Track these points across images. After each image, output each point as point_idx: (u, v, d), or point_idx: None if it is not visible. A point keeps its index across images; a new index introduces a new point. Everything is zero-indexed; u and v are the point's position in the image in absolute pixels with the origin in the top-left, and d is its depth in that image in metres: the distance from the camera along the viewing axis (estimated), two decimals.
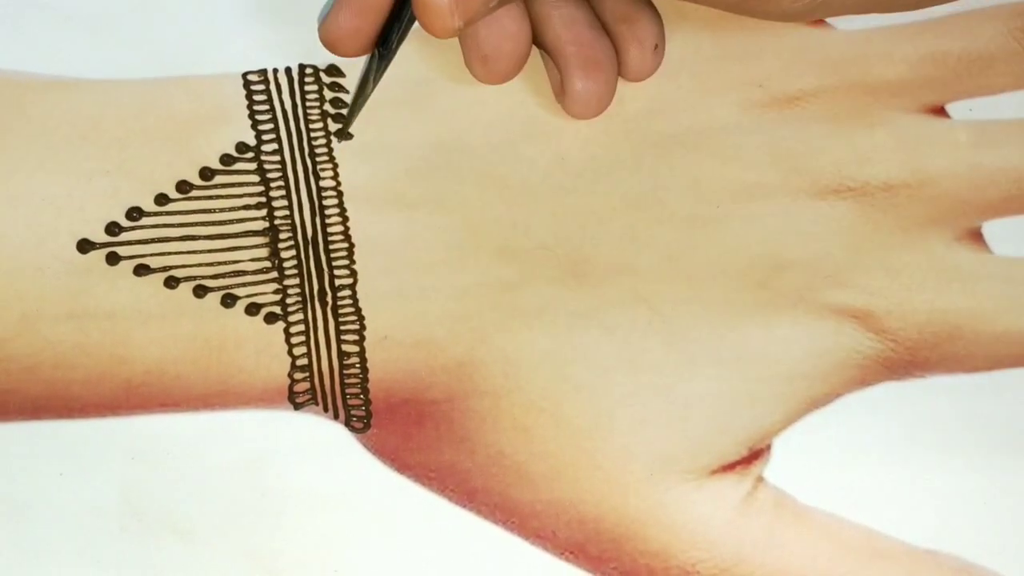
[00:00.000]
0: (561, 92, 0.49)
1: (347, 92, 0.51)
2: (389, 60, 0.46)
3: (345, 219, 0.49)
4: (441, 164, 0.50)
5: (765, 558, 0.44)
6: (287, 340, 0.47)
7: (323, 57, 0.52)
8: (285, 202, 0.49)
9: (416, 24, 0.45)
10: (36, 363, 0.46)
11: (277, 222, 0.49)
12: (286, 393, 0.46)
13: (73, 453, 0.45)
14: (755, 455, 0.46)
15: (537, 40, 0.49)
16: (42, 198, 0.49)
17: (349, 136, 0.48)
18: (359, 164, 0.50)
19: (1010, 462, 0.46)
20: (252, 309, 0.47)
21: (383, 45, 0.45)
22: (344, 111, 0.51)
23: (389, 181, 0.49)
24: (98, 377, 0.46)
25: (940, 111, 0.52)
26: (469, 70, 0.49)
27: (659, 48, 0.49)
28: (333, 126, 0.51)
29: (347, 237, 0.48)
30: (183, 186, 0.49)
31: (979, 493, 0.45)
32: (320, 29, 0.47)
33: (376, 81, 0.47)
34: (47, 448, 0.45)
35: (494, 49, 0.48)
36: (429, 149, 0.50)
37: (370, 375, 0.46)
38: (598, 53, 0.48)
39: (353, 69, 0.51)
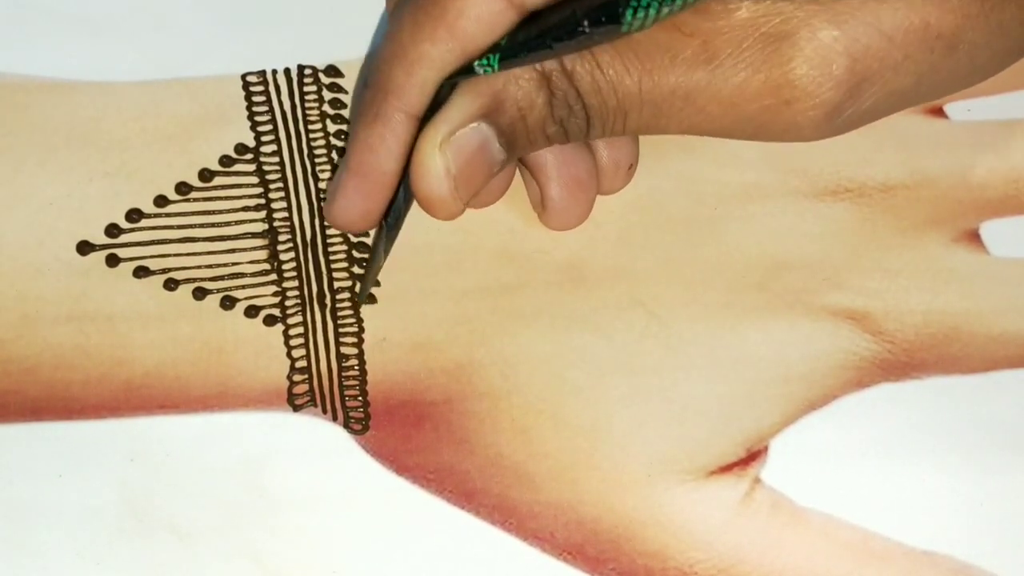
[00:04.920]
0: (540, 205, 0.48)
1: (346, 92, 0.51)
2: (397, 231, 0.46)
3: None
4: None
5: (762, 559, 0.44)
6: (286, 342, 0.47)
7: (322, 58, 0.52)
8: (284, 204, 0.49)
9: None
10: (36, 364, 0.46)
11: (276, 224, 0.49)
12: (285, 395, 0.46)
13: (73, 454, 0.45)
14: (753, 456, 0.46)
15: None
16: (42, 199, 0.49)
17: (373, 300, 0.48)
18: None
19: (1007, 463, 0.46)
20: (251, 311, 0.47)
21: (389, 217, 0.45)
22: (343, 112, 0.51)
23: None
24: (98, 379, 0.46)
25: (938, 112, 0.52)
26: None
27: (632, 168, 0.48)
28: (332, 127, 0.51)
29: (346, 239, 0.48)
30: (182, 188, 0.49)
31: (976, 494, 0.45)
32: (328, 212, 0.46)
33: (387, 252, 0.46)
34: (47, 449, 0.45)
35: (485, 196, 0.47)
36: None
37: (369, 377, 0.46)
38: (580, 172, 0.47)
39: (352, 70, 0.52)
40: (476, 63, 0.42)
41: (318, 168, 0.50)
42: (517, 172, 0.48)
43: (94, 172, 0.49)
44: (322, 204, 0.49)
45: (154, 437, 0.45)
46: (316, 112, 0.51)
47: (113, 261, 0.48)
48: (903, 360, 0.47)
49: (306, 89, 0.51)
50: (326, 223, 0.48)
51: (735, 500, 0.45)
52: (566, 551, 0.44)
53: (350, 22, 0.53)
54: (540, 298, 0.48)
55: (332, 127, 0.50)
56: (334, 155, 0.50)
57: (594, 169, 0.47)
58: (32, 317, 0.47)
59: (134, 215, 0.49)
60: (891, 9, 0.41)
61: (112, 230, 0.48)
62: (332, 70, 0.52)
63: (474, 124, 0.42)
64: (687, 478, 0.45)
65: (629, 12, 0.40)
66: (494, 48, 0.42)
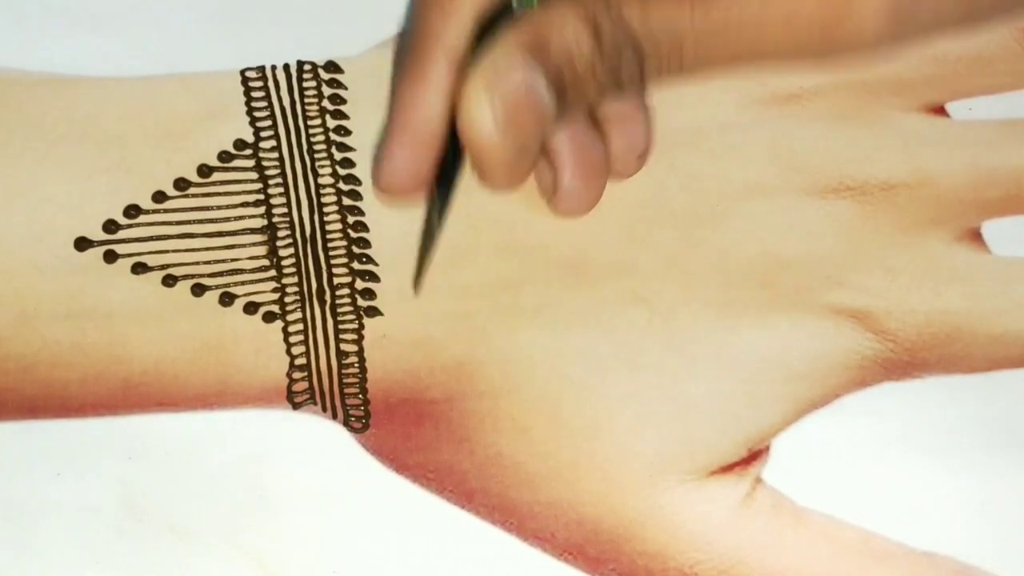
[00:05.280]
0: (552, 191, 0.47)
1: (345, 88, 0.51)
2: (451, 198, 0.43)
3: (344, 217, 0.49)
4: None
5: (763, 559, 0.44)
6: (285, 339, 0.47)
7: (321, 53, 0.52)
8: (283, 200, 0.49)
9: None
10: (33, 362, 0.46)
11: (275, 220, 0.49)
12: (284, 392, 0.46)
13: (70, 453, 0.45)
14: (754, 456, 0.46)
15: None
16: (40, 195, 0.49)
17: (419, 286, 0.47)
18: (358, 161, 0.50)
19: (1009, 464, 0.46)
20: (250, 308, 0.47)
21: (441, 184, 0.43)
22: (343, 108, 0.51)
23: None
24: (95, 376, 0.46)
25: (940, 110, 0.52)
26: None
27: (644, 156, 0.47)
28: (332, 122, 0.50)
29: (346, 235, 0.48)
30: (181, 183, 0.49)
31: (977, 495, 0.45)
32: (376, 177, 0.44)
33: (442, 222, 0.44)
34: (44, 448, 0.45)
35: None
36: None
37: (369, 375, 0.46)
38: (594, 156, 0.46)
39: (352, 66, 0.51)
40: (515, 1, 0.41)
41: (317, 164, 0.50)
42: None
43: (92, 168, 0.49)
44: (321, 200, 0.49)
45: (153, 435, 0.45)
46: (315, 108, 0.51)
47: (111, 257, 0.48)
48: (905, 359, 0.47)
49: (305, 85, 0.51)
50: (377, 185, 0.45)
51: (736, 500, 0.45)
52: (566, 551, 0.44)
53: (350, 18, 0.53)
54: (541, 295, 0.47)
55: (331, 123, 0.50)
56: (333, 151, 0.50)
57: (606, 155, 0.46)
58: (29, 314, 0.47)
59: (132, 211, 0.49)
60: None
61: (110, 226, 0.48)
62: (331, 66, 0.52)
63: (520, 66, 0.40)
64: (688, 478, 0.45)
65: None
66: None
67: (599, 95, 0.42)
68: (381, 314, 0.47)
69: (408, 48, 0.43)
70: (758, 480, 0.45)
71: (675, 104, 0.51)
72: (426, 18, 0.42)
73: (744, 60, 0.41)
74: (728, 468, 0.45)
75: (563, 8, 0.40)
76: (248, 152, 0.50)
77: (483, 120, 0.40)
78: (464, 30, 0.41)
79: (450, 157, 0.42)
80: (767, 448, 0.46)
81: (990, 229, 0.50)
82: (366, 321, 0.47)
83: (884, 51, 0.40)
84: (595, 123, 0.46)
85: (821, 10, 0.40)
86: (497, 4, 0.41)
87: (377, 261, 0.47)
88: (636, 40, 0.40)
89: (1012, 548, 0.45)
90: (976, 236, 0.50)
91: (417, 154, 0.43)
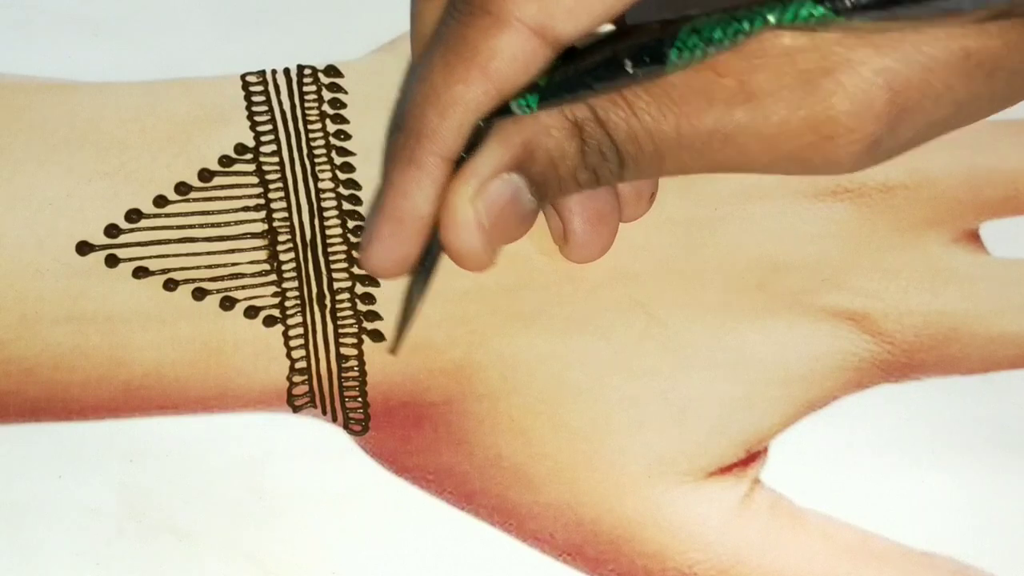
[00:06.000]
0: (563, 239, 0.46)
1: (346, 92, 0.51)
2: (433, 276, 0.44)
3: (344, 221, 0.49)
4: None
5: (762, 560, 0.44)
6: (286, 343, 0.47)
7: (321, 58, 0.52)
8: (284, 204, 0.49)
9: None
10: (35, 365, 0.46)
11: (276, 224, 0.49)
12: (285, 396, 0.46)
13: (72, 455, 0.45)
14: (752, 457, 0.46)
15: None
16: (41, 200, 0.49)
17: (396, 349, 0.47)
18: (358, 166, 0.50)
19: (1006, 464, 0.46)
20: (251, 312, 0.47)
21: (426, 262, 0.43)
22: (343, 112, 0.51)
23: None
24: (97, 379, 0.46)
25: None
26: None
27: (653, 196, 0.47)
28: (332, 127, 0.51)
29: (346, 239, 0.48)
30: (182, 188, 0.49)
31: (975, 495, 0.45)
32: (363, 259, 0.43)
33: (422, 297, 0.44)
34: (46, 450, 0.45)
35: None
36: None
37: (368, 378, 0.46)
38: (603, 205, 0.45)
39: (351, 70, 0.51)
40: (514, 103, 0.41)
41: (318, 168, 0.50)
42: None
43: (93, 172, 0.49)
44: (322, 205, 0.49)
45: (153, 438, 0.45)
46: (316, 112, 0.51)
47: (112, 262, 0.48)
48: (903, 361, 0.47)
49: (305, 89, 0.51)
50: (359, 267, 0.47)
51: (734, 501, 0.45)
52: (565, 552, 0.44)
53: (350, 22, 0.53)
54: (540, 299, 0.48)
55: (332, 127, 0.50)
56: (333, 155, 0.50)
57: (616, 202, 0.46)
58: (31, 318, 0.47)
59: (133, 215, 0.49)
60: (931, 39, 0.40)
61: (111, 230, 0.48)
62: (332, 70, 0.52)
63: (505, 175, 0.41)
64: (686, 479, 0.45)
65: (674, 52, 0.40)
66: (532, 87, 0.41)
67: (578, 191, 0.43)
68: (381, 318, 0.47)
69: (403, 139, 0.43)
70: (756, 481, 0.45)
71: None
72: (423, 115, 0.41)
73: (722, 170, 0.42)
74: (726, 469, 0.45)
75: (552, 115, 0.41)
76: (249, 156, 0.50)
77: (466, 228, 0.41)
78: (461, 132, 0.41)
79: (436, 241, 0.43)
80: (765, 449, 0.46)
81: (988, 230, 0.50)
82: (366, 325, 0.47)
83: (861, 169, 0.41)
84: None
85: (805, 133, 0.40)
86: (494, 106, 0.41)
87: None
88: (619, 148, 0.41)
89: (1009, 548, 0.45)
90: (974, 237, 0.50)
91: (405, 242, 0.43)
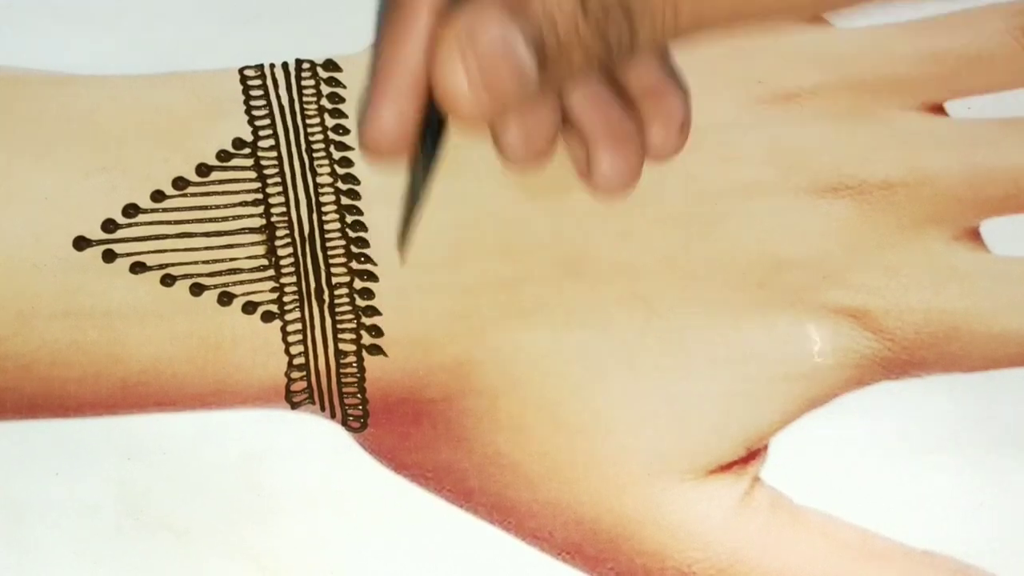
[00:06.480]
0: (586, 171, 0.43)
1: (344, 87, 0.51)
2: (437, 156, 0.41)
3: (342, 216, 0.49)
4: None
5: (761, 558, 0.44)
6: (284, 339, 0.47)
7: (320, 52, 0.52)
8: (282, 199, 0.49)
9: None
10: (32, 361, 0.46)
11: (274, 219, 0.49)
12: (283, 392, 0.46)
13: (69, 452, 0.45)
14: (752, 455, 0.46)
15: None
16: (38, 194, 0.49)
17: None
18: (357, 161, 0.50)
19: (1007, 462, 0.46)
20: (249, 307, 0.47)
21: (426, 140, 0.41)
22: (341, 106, 0.51)
23: (386, 178, 0.49)
24: (94, 376, 0.46)
25: (939, 109, 0.52)
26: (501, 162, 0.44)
27: (684, 127, 0.44)
28: (330, 121, 0.50)
29: (344, 234, 0.48)
30: (179, 182, 0.49)
31: (976, 493, 0.45)
32: (362, 133, 0.41)
33: (429, 181, 0.42)
34: (43, 447, 0.45)
35: (537, 140, 0.44)
36: None
37: (367, 374, 0.46)
38: (626, 130, 0.43)
39: (350, 64, 0.51)
40: None
41: (316, 163, 0.50)
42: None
43: (90, 167, 0.49)
44: (320, 200, 0.49)
45: (151, 434, 0.45)
46: (314, 107, 0.51)
47: (109, 257, 0.48)
48: (903, 358, 0.47)
49: (304, 83, 0.51)
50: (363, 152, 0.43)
51: (734, 499, 0.45)
52: (564, 550, 0.44)
53: (348, 16, 0.53)
54: (539, 294, 0.47)
55: (330, 121, 0.50)
56: (332, 150, 0.50)
57: (639, 129, 0.43)
58: (28, 313, 0.47)
59: (130, 210, 0.49)
60: None
61: (108, 225, 0.48)
62: (330, 64, 0.52)
63: (496, 21, 0.38)
64: (686, 477, 0.45)
65: None
66: None
67: (587, 62, 0.40)
68: (379, 313, 0.47)
69: (391, 3, 0.41)
70: (756, 479, 0.45)
71: None
72: None
73: (741, 18, 0.39)
74: (726, 467, 0.45)
75: None
76: (247, 151, 0.50)
77: (455, 79, 0.39)
78: None
79: (435, 115, 0.42)
80: (765, 447, 0.46)
81: (989, 228, 0.50)
82: (364, 320, 0.47)
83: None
84: (625, 101, 0.43)
85: None
86: None
87: (375, 260, 0.48)
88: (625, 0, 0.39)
89: (1010, 546, 0.45)
90: (975, 235, 0.50)
91: (402, 108, 0.40)
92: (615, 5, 0.38)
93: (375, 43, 0.45)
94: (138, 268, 0.48)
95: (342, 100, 0.51)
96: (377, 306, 0.47)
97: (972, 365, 0.48)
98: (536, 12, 0.38)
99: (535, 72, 0.39)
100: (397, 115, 0.40)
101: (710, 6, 0.39)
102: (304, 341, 0.47)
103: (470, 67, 0.38)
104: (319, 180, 0.49)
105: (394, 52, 0.40)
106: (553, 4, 0.38)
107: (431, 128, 0.41)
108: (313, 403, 0.46)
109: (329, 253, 0.48)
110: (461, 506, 0.44)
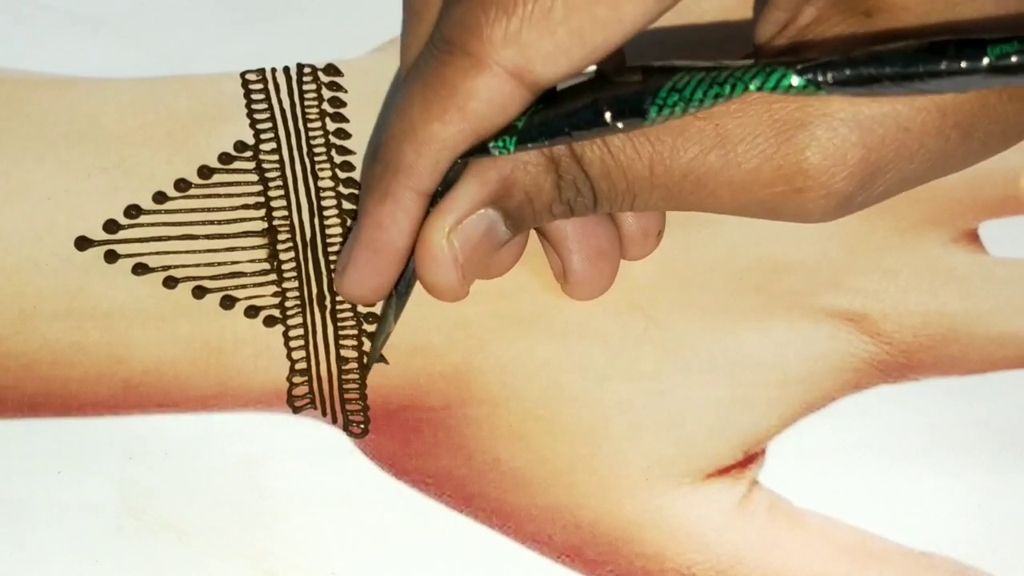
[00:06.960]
0: (563, 277, 0.47)
1: (345, 91, 0.51)
2: (407, 298, 0.45)
3: (344, 220, 0.49)
4: None
5: (760, 561, 0.44)
6: (286, 343, 0.47)
7: (321, 56, 0.52)
8: (284, 202, 0.49)
9: None
10: (33, 360, 0.46)
11: (276, 223, 0.49)
12: (284, 396, 0.46)
13: (71, 452, 0.45)
14: (750, 459, 0.46)
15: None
16: (40, 195, 0.49)
17: (384, 361, 0.47)
18: (358, 165, 0.50)
19: (1005, 464, 0.46)
20: (251, 311, 0.47)
21: (400, 285, 0.45)
22: (343, 110, 0.51)
23: None
24: (96, 376, 0.46)
25: None
26: None
27: (660, 234, 0.47)
28: (332, 125, 0.50)
29: (346, 239, 0.48)
30: (182, 184, 0.49)
31: (974, 496, 0.45)
32: (339, 285, 0.45)
33: (396, 318, 0.45)
34: (45, 446, 0.45)
35: (495, 269, 0.47)
36: None
37: (368, 381, 0.46)
38: (602, 242, 0.46)
39: (351, 69, 0.51)
40: (491, 144, 0.41)
41: (317, 167, 0.50)
42: (535, 239, 0.47)
43: (92, 168, 0.49)
44: (321, 204, 0.49)
45: (153, 436, 0.45)
46: (315, 111, 0.51)
47: (112, 257, 0.48)
48: (901, 361, 0.47)
49: (305, 87, 0.51)
50: (335, 293, 0.47)
51: (733, 502, 0.45)
52: (564, 554, 0.44)
53: (350, 21, 0.53)
54: (538, 303, 0.48)
55: (331, 125, 0.50)
56: (333, 153, 0.50)
57: (617, 238, 0.46)
58: (30, 313, 0.47)
59: (133, 211, 0.49)
60: (909, 98, 0.40)
61: (111, 226, 0.48)
62: (331, 69, 0.52)
63: (481, 211, 0.42)
64: (685, 481, 0.45)
65: (654, 109, 0.40)
66: (510, 130, 0.41)
67: (552, 220, 0.44)
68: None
69: (380, 170, 0.43)
70: (755, 482, 0.45)
71: None
72: (399, 149, 0.42)
73: (693, 210, 0.43)
74: (724, 471, 0.45)
75: (527, 155, 0.42)
76: (248, 154, 0.50)
77: (442, 264, 0.43)
78: (437, 169, 0.42)
79: (412, 267, 0.44)
80: (763, 451, 0.46)
81: (987, 230, 0.50)
82: (366, 328, 0.47)
83: (831, 219, 0.43)
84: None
85: (776, 183, 0.41)
86: (471, 145, 0.41)
87: None
88: (592, 184, 0.42)
89: (1009, 548, 0.45)
90: (973, 237, 0.50)
91: (380, 272, 0.44)
92: (584, 185, 0.42)
93: (360, 201, 0.46)
94: (140, 269, 0.48)
95: (343, 104, 0.51)
96: (378, 312, 0.47)
97: (970, 367, 0.48)
98: (518, 194, 0.42)
99: (508, 240, 0.43)
100: (375, 277, 0.44)
101: (665, 201, 0.42)
102: (306, 346, 0.47)
103: (457, 257, 0.43)
104: (320, 184, 0.49)
105: (379, 220, 0.43)
106: (532, 187, 0.42)
107: (405, 276, 0.43)
108: (315, 408, 0.46)
109: (331, 258, 0.48)
110: (461, 511, 0.44)
